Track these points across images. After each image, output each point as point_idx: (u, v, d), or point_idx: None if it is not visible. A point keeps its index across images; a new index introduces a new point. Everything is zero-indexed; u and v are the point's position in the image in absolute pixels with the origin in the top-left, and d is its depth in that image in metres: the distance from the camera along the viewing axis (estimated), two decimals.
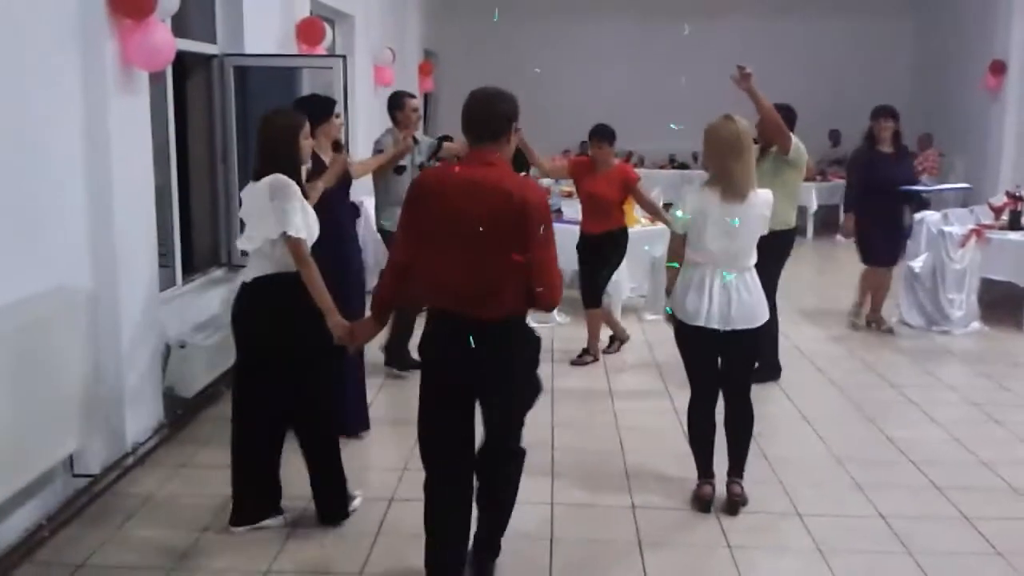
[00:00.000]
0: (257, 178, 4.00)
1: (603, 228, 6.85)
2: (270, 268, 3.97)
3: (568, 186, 9.71)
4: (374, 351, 6.26)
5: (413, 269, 3.48)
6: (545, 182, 9.91)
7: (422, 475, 4.89)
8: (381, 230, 6.73)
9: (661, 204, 7.62)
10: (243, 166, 6.66)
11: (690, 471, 4.60)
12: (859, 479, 4.90)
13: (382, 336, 6.27)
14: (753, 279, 4.37)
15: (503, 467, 3.64)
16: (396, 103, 6.56)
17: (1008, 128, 12.25)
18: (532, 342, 3.54)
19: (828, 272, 12.24)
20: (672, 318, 4.47)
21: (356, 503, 4.40)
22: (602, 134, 6.77)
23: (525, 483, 3.73)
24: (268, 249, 3.95)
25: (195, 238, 6.68)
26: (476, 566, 3.68)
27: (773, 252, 5.12)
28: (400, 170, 6.43)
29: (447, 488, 3.56)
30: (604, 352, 7.20)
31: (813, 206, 13.94)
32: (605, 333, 7.28)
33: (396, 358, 6.62)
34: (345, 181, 5.22)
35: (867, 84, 15.52)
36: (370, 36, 10.48)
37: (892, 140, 7.75)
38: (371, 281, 9.17)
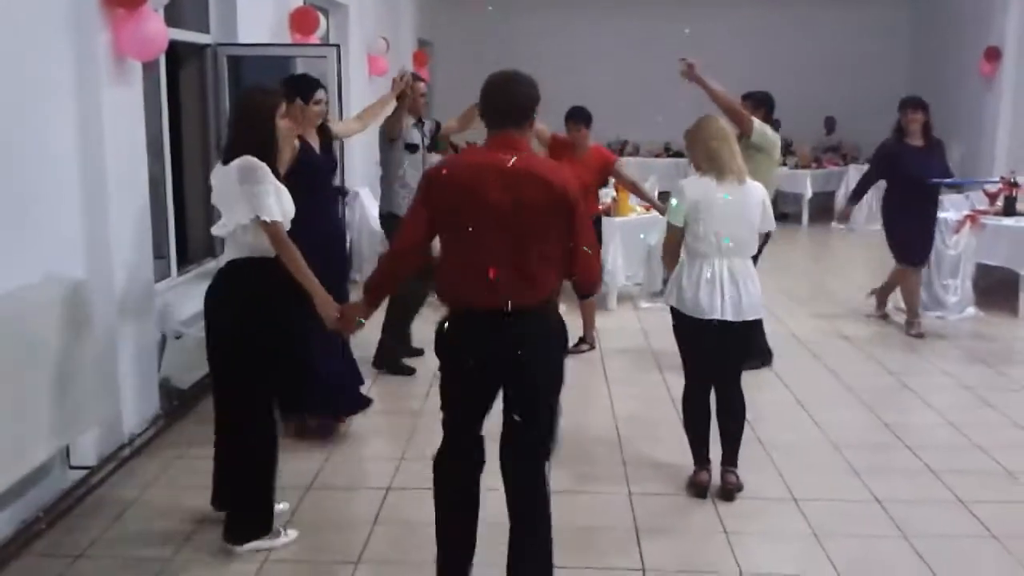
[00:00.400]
0: (227, 159, 3.81)
1: None
2: (244, 253, 3.81)
3: None
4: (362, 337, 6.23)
5: (416, 256, 3.36)
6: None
7: (419, 463, 4.92)
8: (387, 216, 6.31)
9: (656, 194, 7.62)
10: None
11: (686, 458, 4.62)
12: (854, 464, 4.92)
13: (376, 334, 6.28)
14: (752, 270, 4.41)
15: (532, 468, 3.35)
16: None
17: (1003, 114, 12.24)
18: (562, 328, 3.40)
19: (823, 259, 12.26)
20: (674, 312, 4.48)
21: (281, 541, 3.98)
22: (579, 116, 6.77)
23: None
24: (240, 234, 3.78)
25: (190, 229, 6.67)
26: None
27: None
28: (413, 148, 6.23)
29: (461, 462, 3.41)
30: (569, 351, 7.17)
31: (808, 193, 13.96)
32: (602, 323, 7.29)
33: (387, 360, 6.42)
34: (328, 163, 5.18)
35: (862, 71, 15.54)
36: (364, 25, 10.44)
37: (922, 132, 7.41)
38: (366, 272, 9.32)
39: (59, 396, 4.05)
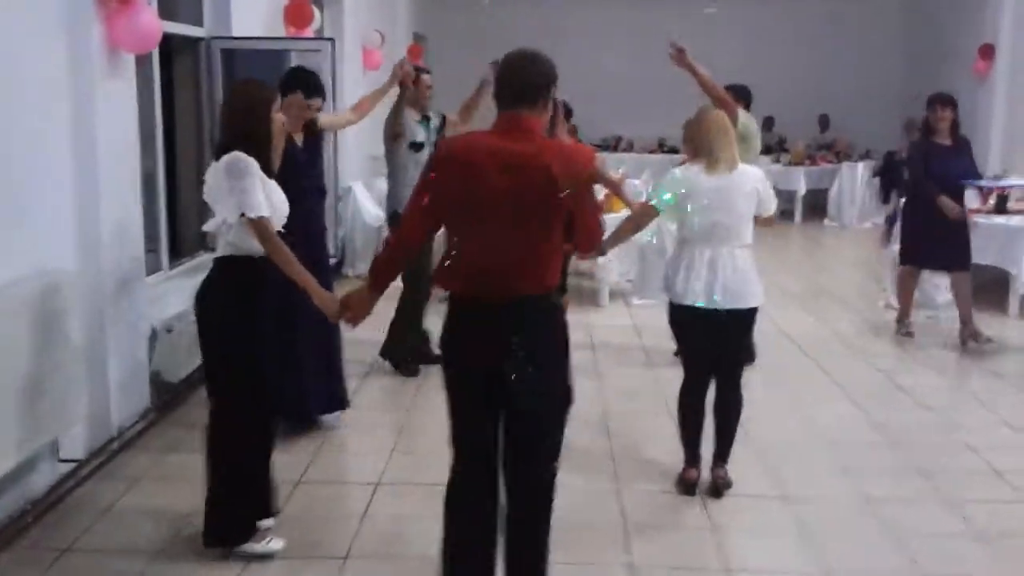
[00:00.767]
0: (219, 155, 3.69)
1: None
2: (230, 251, 3.70)
3: None
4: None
5: (420, 241, 3.26)
6: None
7: (408, 458, 4.93)
8: (393, 216, 6.08)
9: (652, 188, 7.60)
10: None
11: (675, 455, 4.62)
12: (843, 462, 4.93)
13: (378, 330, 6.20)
14: (749, 257, 4.41)
15: (536, 495, 3.24)
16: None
17: (997, 112, 12.25)
18: (563, 321, 3.26)
19: (815, 256, 12.28)
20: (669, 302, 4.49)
21: (265, 546, 3.87)
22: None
23: None
24: (225, 232, 3.66)
25: (182, 222, 6.66)
26: None
27: None
28: (417, 146, 6.07)
29: (475, 485, 3.25)
30: None
31: (802, 190, 14.00)
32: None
33: (396, 351, 6.25)
34: (311, 158, 5.13)
35: (857, 69, 15.57)
36: (359, 19, 10.43)
37: (950, 131, 7.18)
38: (359, 268, 9.33)
39: (48, 388, 4.05)
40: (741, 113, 6.13)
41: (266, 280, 3.73)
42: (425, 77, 6.19)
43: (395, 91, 6.02)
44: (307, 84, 5.06)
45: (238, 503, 3.81)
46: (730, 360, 4.55)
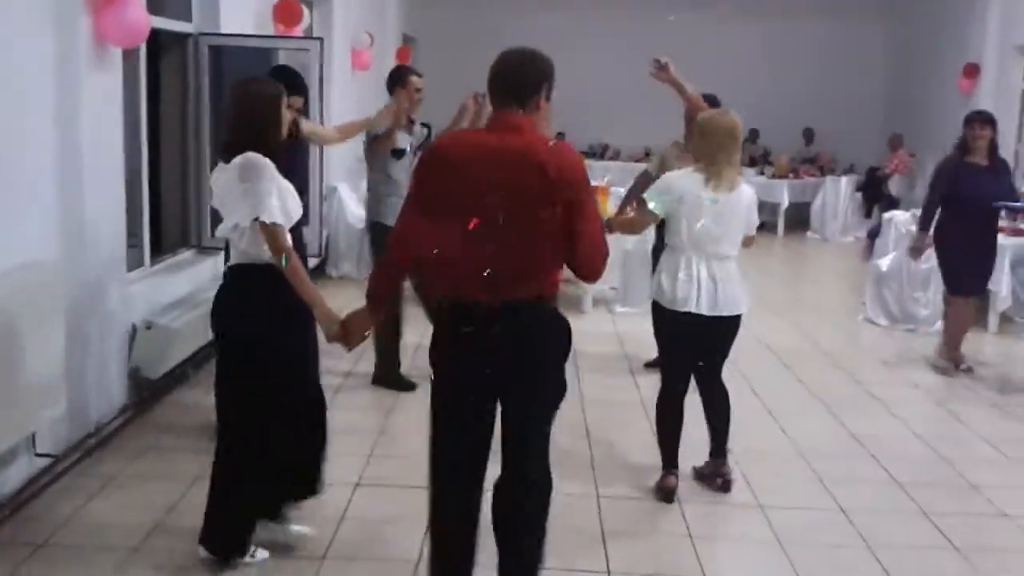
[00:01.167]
0: (229, 156, 3.53)
1: None
2: (245, 259, 3.55)
3: None
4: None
5: (420, 252, 3.08)
6: None
7: (389, 461, 4.92)
8: (372, 224, 5.98)
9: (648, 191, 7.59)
10: (216, 147, 6.60)
11: (654, 461, 4.63)
12: (821, 473, 4.96)
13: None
14: (735, 267, 4.44)
15: (525, 501, 3.21)
16: (399, 78, 6.02)
17: None
18: (564, 328, 3.15)
19: (797, 268, 12.35)
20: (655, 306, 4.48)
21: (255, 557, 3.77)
22: None
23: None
24: (238, 239, 3.51)
25: (165, 219, 6.63)
26: None
27: None
28: (399, 153, 5.87)
29: (459, 507, 3.20)
30: None
31: (785, 203, 14.07)
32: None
33: (390, 377, 6.04)
34: (295, 160, 5.07)
35: (841, 83, 15.69)
36: (348, 19, 10.42)
37: (988, 151, 6.77)
38: (342, 268, 9.31)
39: (26, 382, 4.01)
40: None
41: (285, 288, 3.51)
42: (414, 80, 6.03)
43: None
44: (288, 83, 5.01)
45: (243, 518, 3.71)
46: (718, 361, 4.61)
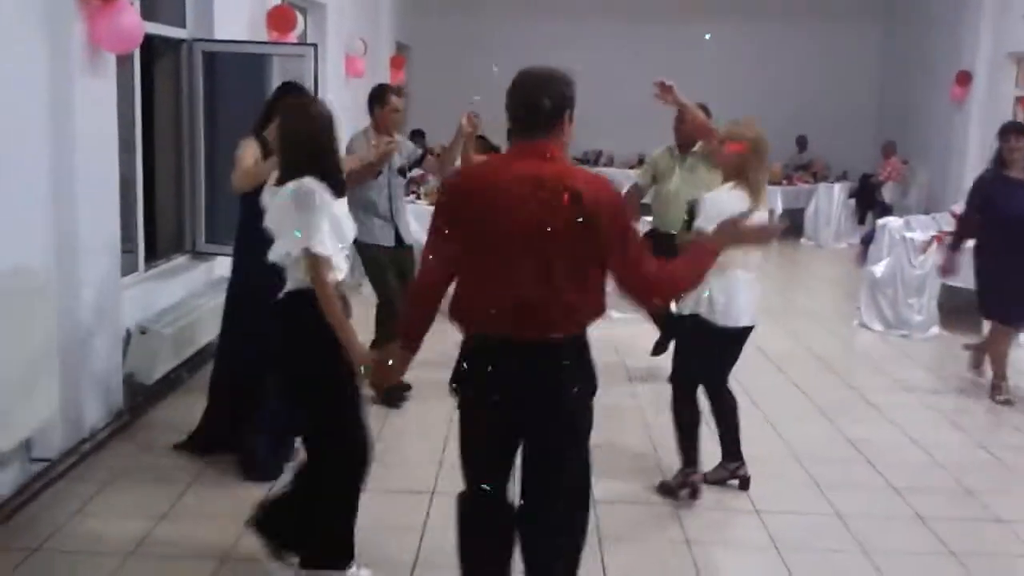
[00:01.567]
0: (283, 179, 3.41)
1: None
2: (302, 285, 3.42)
3: None
4: None
5: (444, 286, 2.98)
6: None
7: (383, 467, 4.90)
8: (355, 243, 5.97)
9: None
10: (210, 152, 6.61)
11: (651, 467, 4.66)
12: (817, 478, 4.96)
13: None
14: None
15: (554, 537, 3.05)
16: (378, 98, 5.89)
17: (972, 138, 12.41)
18: (591, 373, 3.00)
19: (791, 274, 12.35)
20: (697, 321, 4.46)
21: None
22: None
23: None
24: (291, 266, 3.41)
25: (159, 224, 6.61)
26: None
27: None
28: (377, 173, 5.77)
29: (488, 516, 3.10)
30: None
31: (779, 209, 14.07)
32: None
33: (390, 396, 5.85)
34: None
35: (834, 90, 15.74)
36: (342, 26, 10.42)
37: None
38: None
39: (20, 387, 4.00)
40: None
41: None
42: (393, 100, 5.88)
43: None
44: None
45: (350, 522, 3.65)
46: (731, 368, 4.72)
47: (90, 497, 4.35)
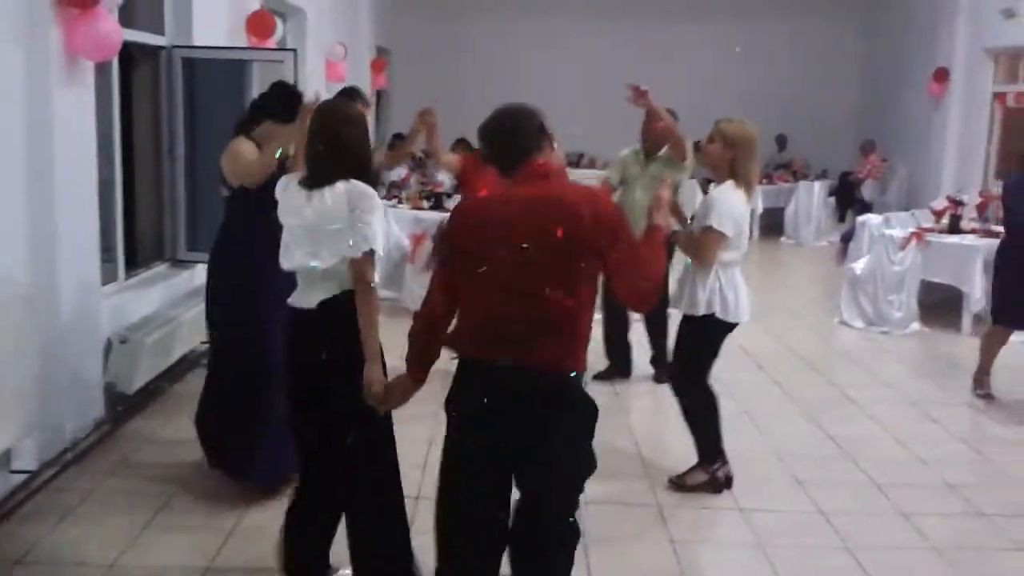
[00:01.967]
0: (317, 183, 3.27)
1: None
2: (337, 288, 3.29)
3: None
4: None
5: (451, 318, 2.98)
6: (441, 177, 9.84)
7: None
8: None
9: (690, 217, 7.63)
10: (190, 160, 6.59)
11: (636, 467, 4.66)
12: (799, 475, 4.99)
13: None
14: None
15: (547, 555, 3.04)
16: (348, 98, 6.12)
17: (950, 135, 12.50)
18: (590, 407, 2.99)
19: (772, 272, 12.41)
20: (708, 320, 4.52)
21: None
22: None
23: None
24: (342, 269, 3.25)
25: (139, 232, 6.58)
26: None
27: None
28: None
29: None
30: None
31: (759, 208, 14.15)
32: None
33: None
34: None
35: (814, 89, 15.80)
36: (321, 31, 10.41)
37: None
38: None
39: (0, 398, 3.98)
40: (690, 155, 6.16)
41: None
42: (359, 106, 5.87)
43: None
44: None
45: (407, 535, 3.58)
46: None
47: (72, 507, 4.32)
